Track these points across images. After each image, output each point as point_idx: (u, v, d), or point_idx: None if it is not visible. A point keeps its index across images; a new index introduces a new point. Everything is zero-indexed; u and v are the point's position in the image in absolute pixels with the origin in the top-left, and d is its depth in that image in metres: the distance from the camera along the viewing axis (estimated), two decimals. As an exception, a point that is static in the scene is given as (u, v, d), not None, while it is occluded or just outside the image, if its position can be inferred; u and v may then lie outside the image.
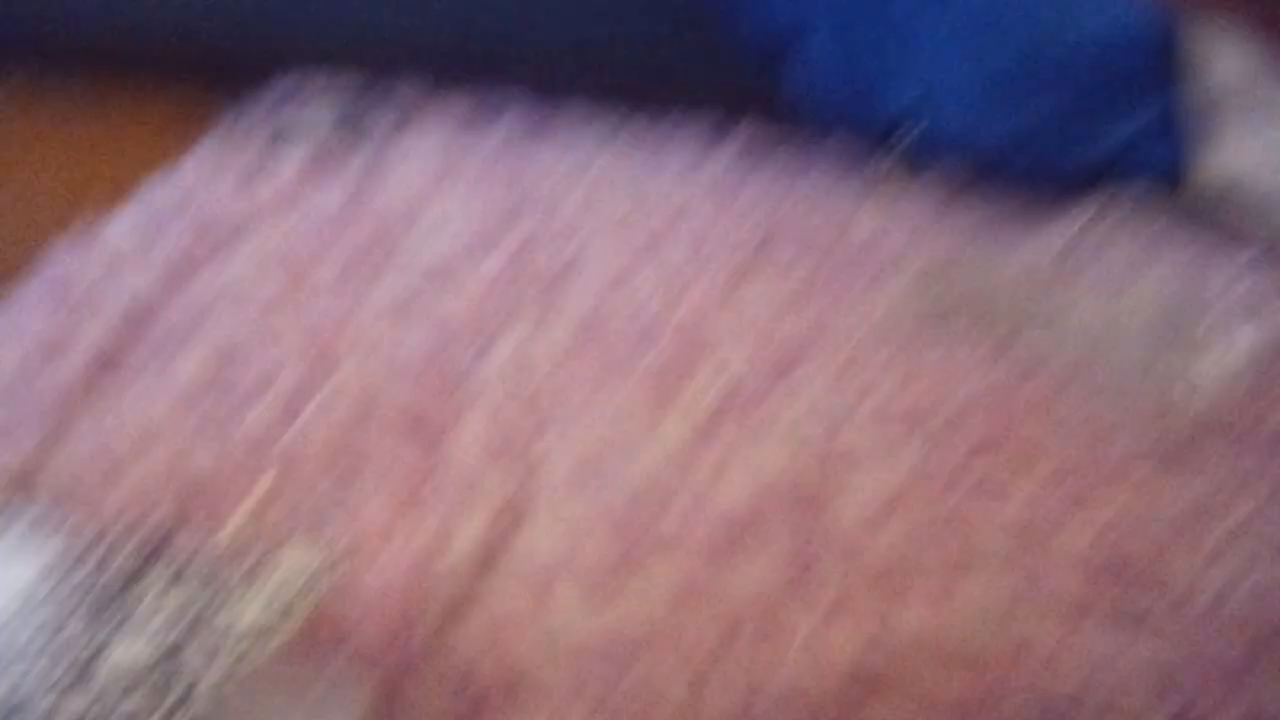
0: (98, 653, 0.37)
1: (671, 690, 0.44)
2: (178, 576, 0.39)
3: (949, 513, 0.55)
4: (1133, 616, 0.51)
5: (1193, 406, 0.62)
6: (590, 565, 0.51)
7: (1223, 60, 0.79)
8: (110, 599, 0.39)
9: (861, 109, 0.90)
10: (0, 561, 0.41)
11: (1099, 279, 0.64)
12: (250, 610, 0.38)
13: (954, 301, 0.73)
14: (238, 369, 0.62)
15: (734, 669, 0.46)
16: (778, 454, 0.55)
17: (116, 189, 0.82)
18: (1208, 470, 0.60)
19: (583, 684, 0.45)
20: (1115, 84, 0.83)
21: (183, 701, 0.34)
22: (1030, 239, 0.70)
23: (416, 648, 0.46)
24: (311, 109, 0.92)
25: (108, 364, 0.62)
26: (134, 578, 0.39)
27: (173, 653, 0.36)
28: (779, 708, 0.44)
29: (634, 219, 0.79)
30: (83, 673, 0.36)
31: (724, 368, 0.65)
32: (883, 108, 0.88)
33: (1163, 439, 0.62)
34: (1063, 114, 0.85)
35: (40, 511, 0.42)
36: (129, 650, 0.37)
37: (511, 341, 0.65)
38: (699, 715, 0.44)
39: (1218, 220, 0.71)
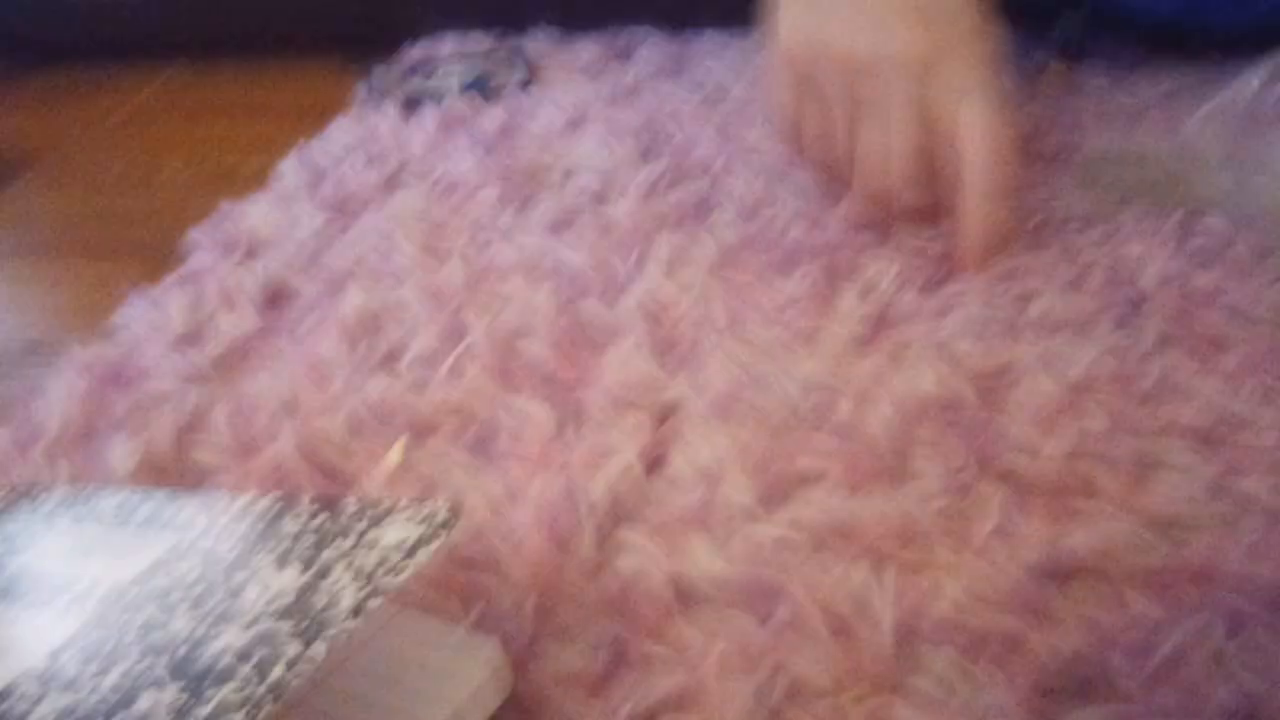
0: (244, 583, 0.37)
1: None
2: (312, 529, 0.39)
3: (1123, 422, 0.50)
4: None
5: None
6: (729, 508, 0.47)
7: None
8: (253, 540, 0.39)
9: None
10: (127, 547, 0.41)
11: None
12: (392, 535, 0.37)
13: (1126, 189, 0.67)
14: (372, 339, 0.60)
15: (885, 602, 0.42)
16: (927, 377, 0.51)
17: (256, 175, 0.83)
18: None
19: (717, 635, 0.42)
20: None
21: (329, 619, 0.34)
22: (1204, 115, 0.63)
23: (561, 586, 0.43)
24: (441, 74, 0.92)
25: (244, 346, 0.62)
26: (262, 537, 0.39)
27: (319, 576, 0.36)
28: (944, 628, 0.41)
29: (768, 146, 0.75)
30: (234, 600, 0.36)
31: (870, 290, 0.61)
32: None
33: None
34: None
35: (159, 502, 0.42)
36: (277, 576, 0.37)
37: (645, 284, 0.63)
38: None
39: None
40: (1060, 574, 0.44)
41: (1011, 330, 0.57)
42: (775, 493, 0.48)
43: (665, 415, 0.54)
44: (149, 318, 0.64)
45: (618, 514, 0.49)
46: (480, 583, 0.46)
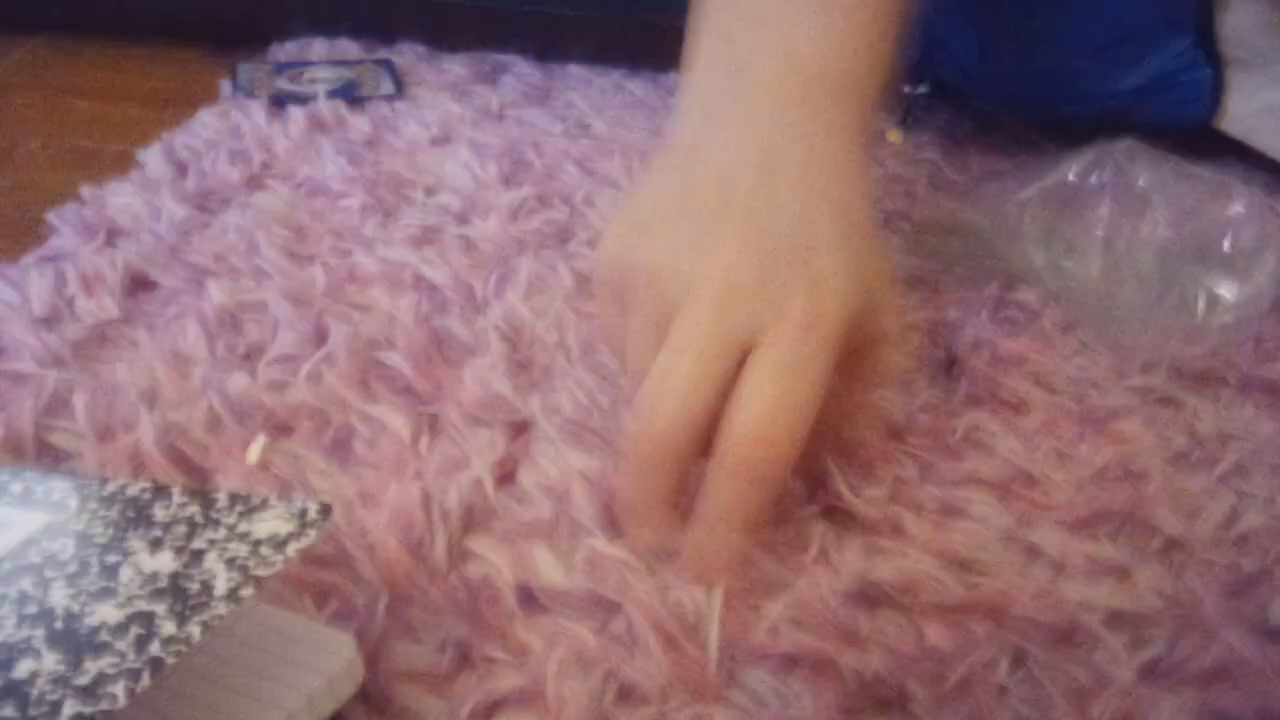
0: (120, 563, 0.38)
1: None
2: (184, 518, 0.41)
3: (931, 472, 0.55)
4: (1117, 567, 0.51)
5: (1216, 322, 0.62)
6: (573, 526, 0.51)
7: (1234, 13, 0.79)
8: (125, 525, 0.41)
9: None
10: (2, 518, 0.42)
11: (1106, 217, 0.64)
12: (263, 529, 0.40)
13: (950, 257, 0.73)
14: (231, 337, 0.62)
15: (711, 622, 0.46)
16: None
17: (116, 161, 0.83)
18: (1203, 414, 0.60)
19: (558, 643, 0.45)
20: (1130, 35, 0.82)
21: (203, 604, 0.36)
22: (1026, 196, 0.69)
23: (411, 589, 0.46)
24: (309, 78, 0.93)
25: (103, 333, 0.63)
26: (136, 520, 0.41)
27: (192, 563, 0.38)
28: (762, 647, 0.45)
29: (630, 180, 0.79)
30: (110, 580, 0.38)
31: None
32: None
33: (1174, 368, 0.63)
34: (1075, 67, 0.85)
35: (29, 480, 0.43)
36: (151, 560, 0.39)
37: (502, 306, 0.66)
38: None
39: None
40: (867, 602, 0.48)
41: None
42: (616, 517, 0.52)
43: (517, 434, 0.57)
44: (7, 297, 0.65)
45: (468, 523, 0.52)
46: (333, 582, 0.48)
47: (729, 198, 0.48)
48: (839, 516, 0.53)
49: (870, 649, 0.46)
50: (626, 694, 0.44)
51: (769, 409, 0.45)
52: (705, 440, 0.46)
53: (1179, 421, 0.61)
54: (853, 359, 0.49)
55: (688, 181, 0.49)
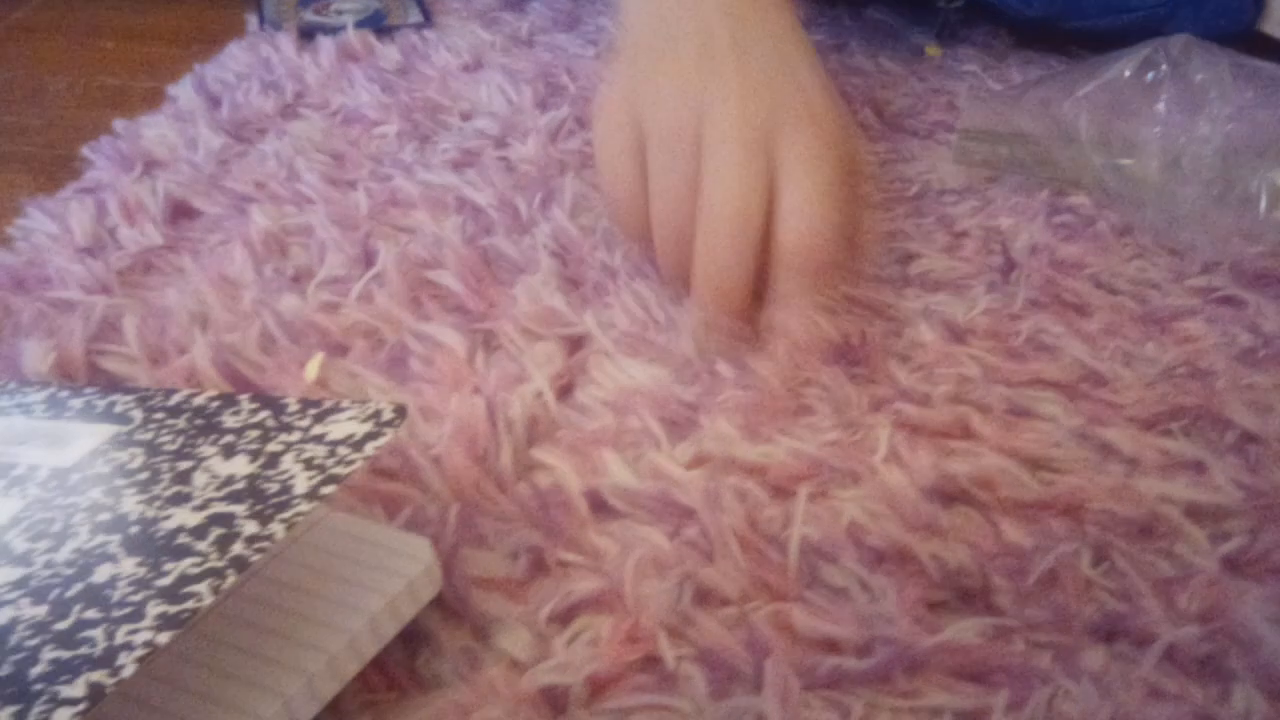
0: (193, 469, 0.37)
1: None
2: (255, 424, 0.40)
3: (996, 373, 0.54)
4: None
5: (1276, 219, 0.61)
6: (638, 435, 0.50)
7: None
8: (195, 433, 0.40)
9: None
10: (64, 435, 0.42)
11: (1163, 115, 0.62)
12: (338, 430, 0.39)
13: (1000, 163, 0.72)
14: (278, 260, 0.61)
15: (788, 523, 0.45)
16: (819, 323, 0.54)
17: (146, 97, 0.82)
18: (1266, 311, 0.59)
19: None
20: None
21: (285, 503, 0.35)
22: (1077, 98, 0.68)
23: (480, 498, 0.46)
24: (335, 9, 0.92)
25: (148, 260, 0.62)
26: (205, 429, 0.40)
27: (268, 466, 0.37)
28: (841, 544, 0.44)
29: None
30: (184, 485, 0.37)
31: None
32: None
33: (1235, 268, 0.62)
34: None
35: (91, 395, 0.42)
36: (225, 465, 0.38)
37: (549, 225, 0.65)
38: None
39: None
40: (943, 499, 0.47)
41: (895, 286, 0.61)
42: (680, 427, 0.51)
43: (574, 348, 0.56)
44: (48, 229, 0.64)
45: (532, 435, 0.51)
46: (402, 493, 0.47)
47: (712, 49, 0.52)
48: (907, 418, 0.52)
49: (951, 543, 0.45)
50: (704, 595, 0.44)
51: (811, 208, 0.51)
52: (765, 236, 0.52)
53: (1243, 320, 0.60)
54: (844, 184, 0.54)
55: (669, 40, 0.54)
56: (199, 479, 0.38)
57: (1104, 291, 0.61)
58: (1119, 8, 0.85)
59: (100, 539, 0.36)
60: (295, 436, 0.39)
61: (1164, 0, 0.83)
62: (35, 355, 0.53)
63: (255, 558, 0.34)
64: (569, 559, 0.45)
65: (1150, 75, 0.64)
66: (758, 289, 0.53)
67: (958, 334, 0.57)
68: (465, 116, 0.79)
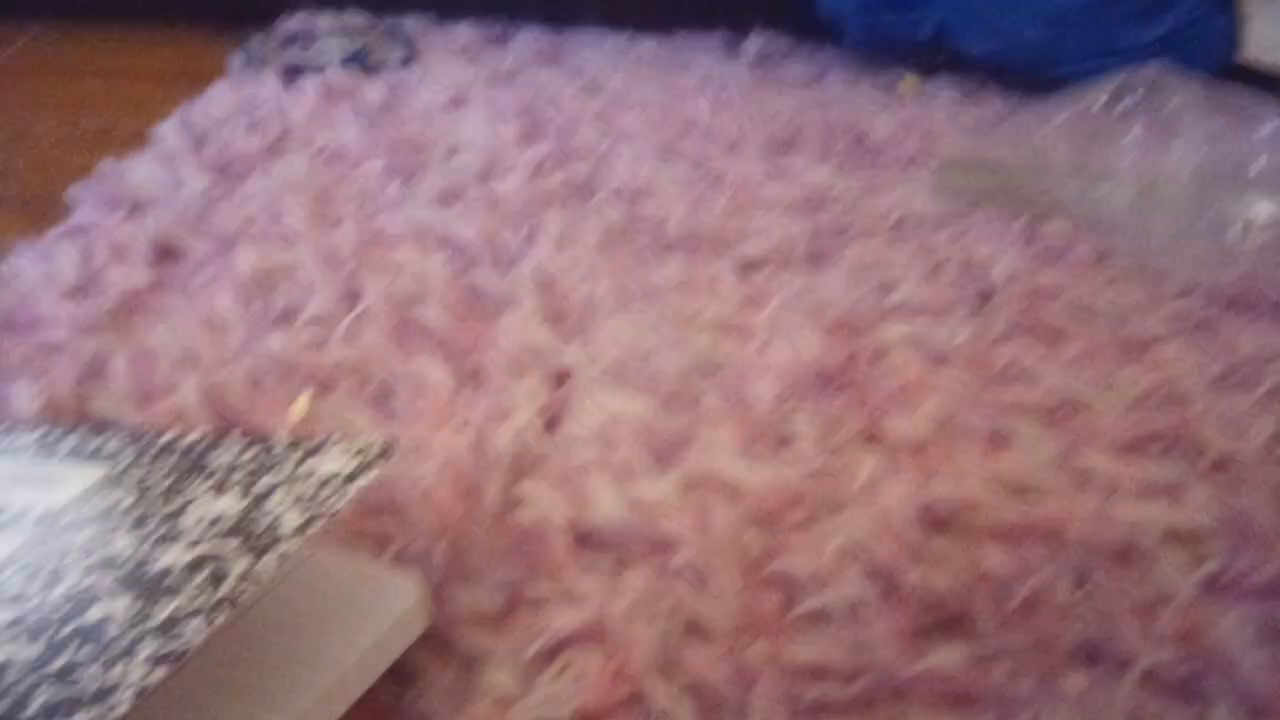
0: (183, 508, 0.38)
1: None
2: (244, 463, 0.40)
3: (979, 398, 0.55)
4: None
5: (1250, 244, 0.62)
6: (624, 465, 0.51)
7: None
8: (185, 472, 0.40)
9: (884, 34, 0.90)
10: (56, 476, 0.42)
11: (1136, 144, 0.63)
12: (325, 468, 0.39)
13: (977, 192, 0.73)
14: (265, 299, 0.62)
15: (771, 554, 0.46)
16: (804, 350, 0.55)
17: (132, 137, 0.82)
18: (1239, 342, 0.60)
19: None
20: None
21: (273, 541, 0.35)
22: (1054, 126, 0.69)
23: (466, 533, 0.46)
24: (320, 46, 0.92)
25: (135, 301, 0.62)
26: (194, 468, 0.41)
27: (259, 502, 0.38)
28: (832, 572, 0.45)
29: (649, 133, 0.79)
30: (174, 525, 0.37)
31: (748, 270, 0.65)
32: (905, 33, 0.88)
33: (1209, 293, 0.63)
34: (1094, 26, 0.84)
35: (82, 436, 0.43)
36: (214, 503, 0.38)
37: (533, 260, 0.65)
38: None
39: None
40: (926, 524, 0.48)
41: (877, 312, 0.62)
42: (666, 455, 0.52)
43: (560, 380, 0.57)
44: (38, 269, 0.64)
45: (519, 468, 0.51)
46: (389, 529, 0.48)
47: None
48: (889, 445, 0.52)
49: (933, 570, 0.46)
50: (692, 628, 0.44)
51: None
52: None
53: (1217, 345, 0.60)
54: None
55: None
56: (189, 518, 0.38)
57: (1081, 318, 0.62)
58: (1103, 52, 0.86)
59: (92, 579, 0.36)
60: (283, 474, 0.40)
61: (1149, 43, 0.83)
62: (25, 396, 0.53)
63: (245, 596, 0.35)
64: (555, 594, 0.45)
65: (1124, 104, 0.65)
66: None
67: (938, 360, 0.58)
68: (449, 152, 0.80)
